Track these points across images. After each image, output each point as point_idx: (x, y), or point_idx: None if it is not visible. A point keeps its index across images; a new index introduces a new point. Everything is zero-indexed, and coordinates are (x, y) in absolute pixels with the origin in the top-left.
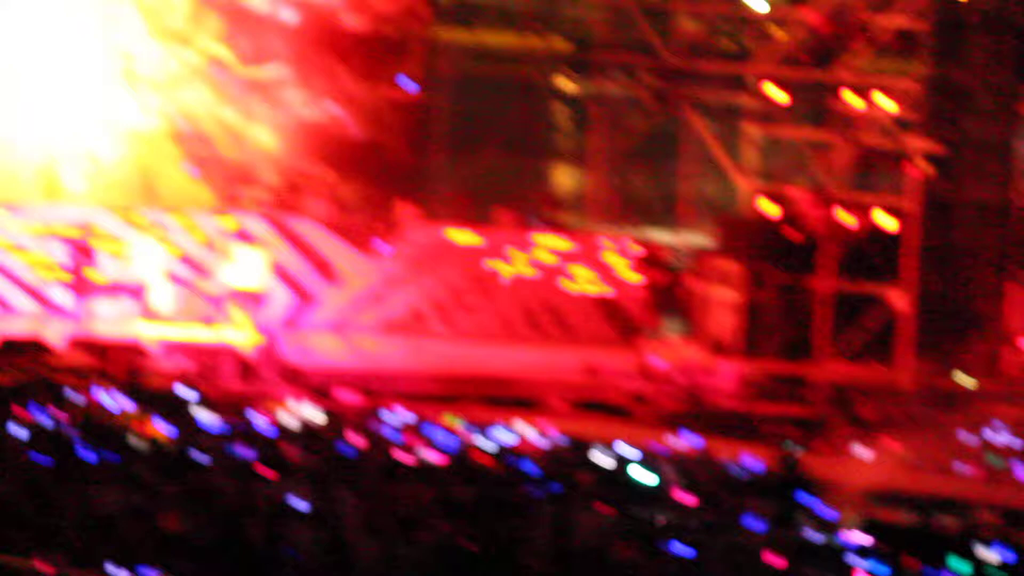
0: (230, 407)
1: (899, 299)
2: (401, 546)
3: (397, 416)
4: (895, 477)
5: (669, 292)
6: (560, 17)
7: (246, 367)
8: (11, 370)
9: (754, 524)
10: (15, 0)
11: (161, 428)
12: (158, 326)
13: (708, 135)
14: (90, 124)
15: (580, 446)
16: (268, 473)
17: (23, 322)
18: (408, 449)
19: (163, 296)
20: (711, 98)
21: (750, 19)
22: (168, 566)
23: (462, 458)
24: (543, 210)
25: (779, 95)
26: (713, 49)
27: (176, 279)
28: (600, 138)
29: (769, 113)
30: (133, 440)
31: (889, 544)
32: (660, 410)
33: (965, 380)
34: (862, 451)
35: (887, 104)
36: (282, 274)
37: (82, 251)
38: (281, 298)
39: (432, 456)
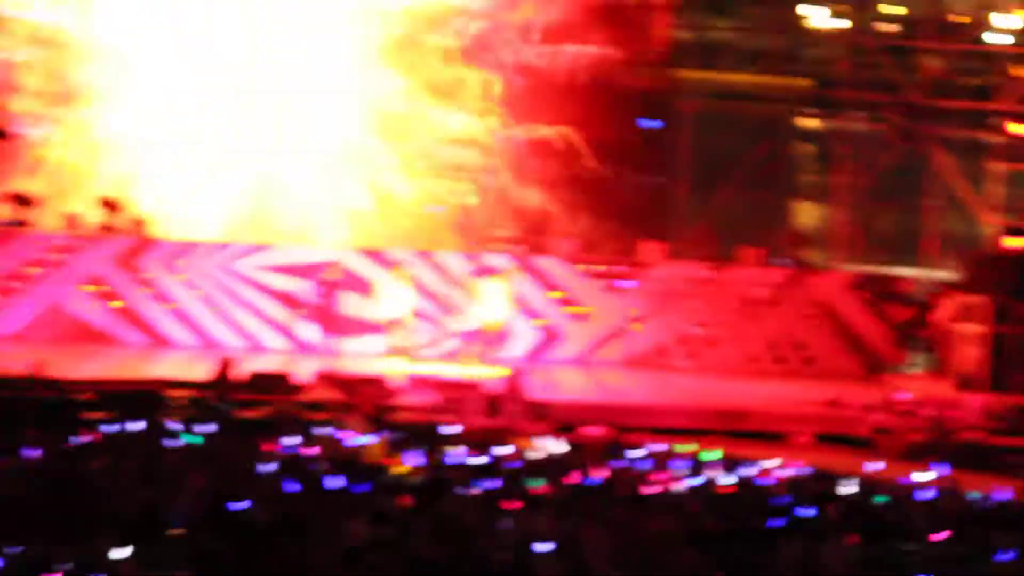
0: (476, 441)
1: None
2: None
3: (642, 449)
4: None
5: (913, 327)
6: (802, 55)
7: (492, 402)
8: (260, 405)
9: (1002, 556)
10: (281, 49)
11: (408, 461)
12: (405, 362)
13: (952, 171)
14: (343, 168)
15: (826, 478)
16: (514, 506)
17: (272, 359)
18: (654, 481)
19: (410, 333)
20: (955, 134)
21: (993, 56)
22: None
23: (708, 490)
24: (786, 246)
25: (1023, 131)
26: (956, 86)
27: (423, 316)
28: (843, 175)
29: (1013, 149)
30: (380, 473)
31: None
32: (905, 443)
33: None
34: None
35: None
36: (527, 310)
37: (331, 290)
38: (526, 334)
39: (678, 488)
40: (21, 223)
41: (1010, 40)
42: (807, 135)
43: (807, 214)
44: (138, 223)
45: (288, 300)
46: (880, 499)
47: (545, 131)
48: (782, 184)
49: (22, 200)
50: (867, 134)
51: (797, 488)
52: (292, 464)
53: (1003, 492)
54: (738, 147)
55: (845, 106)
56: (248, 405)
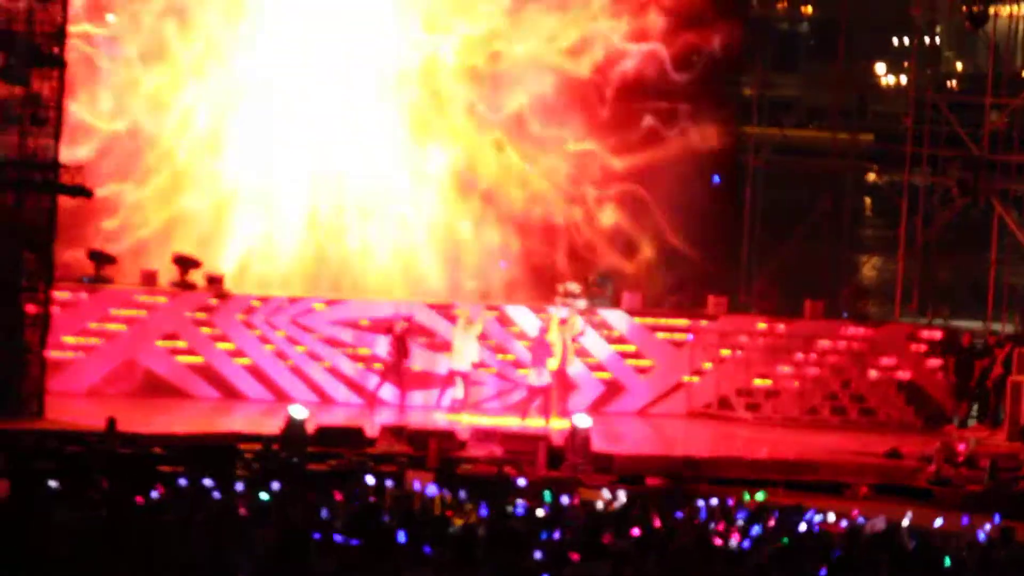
0: (540, 492)
1: None
2: None
3: (705, 500)
4: None
5: (975, 379)
6: (866, 111)
7: (556, 453)
8: (328, 458)
9: None
10: (354, 117)
11: (474, 513)
12: (470, 415)
13: (1015, 224)
14: (413, 222)
15: (885, 529)
16: (579, 557)
17: (341, 412)
18: (717, 532)
19: (476, 385)
20: (1017, 188)
21: None
22: None
23: (768, 541)
24: (848, 299)
25: None
26: (1019, 140)
27: (489, 370)
28: (906, 228)
29: None
30: (447, 525)
31: None
32: (963, 493)
33: None
34: None
35: None
36: (592, 363)
37: (400, 344)
38: (591, 386)
39: (740, 539)
40: (100, 280)
41: None
42: (871, 189)
43: (870, 267)
44: (212, 279)
45: (358, 354)
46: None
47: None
48: (845, 238)
49: (101, 257)
50: (930, 188)
51: (855, 538)
52: (359, 516)
53: None
54: (802, 201)
55: (908, 160)
56: (317, 458)
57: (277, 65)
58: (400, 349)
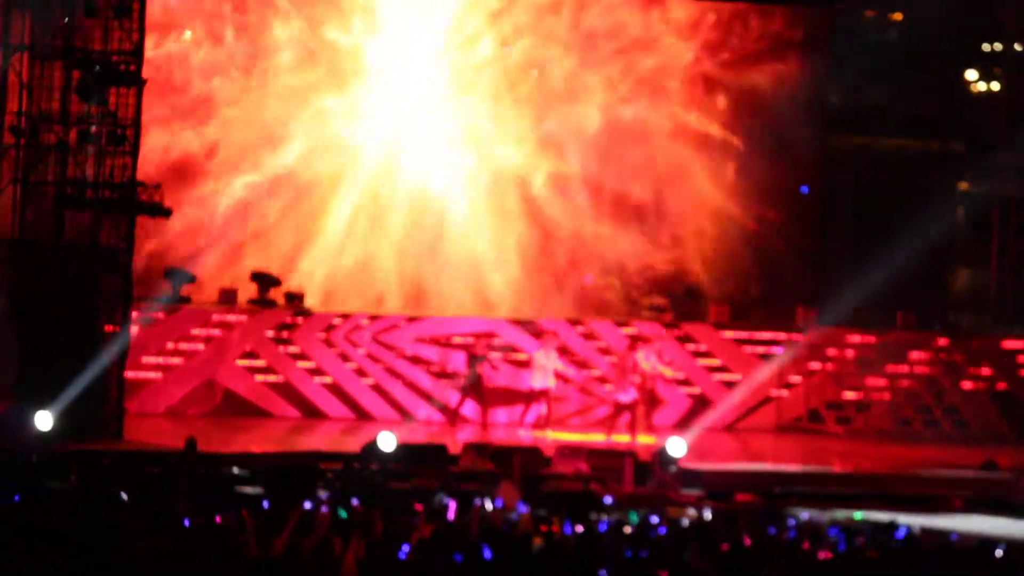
0: (627, 509)
1: None
2: None
3: (795, 515)
4: None
5: None
6: (958, 118)
7: (643, 469)
8: (411, 476)
9: None
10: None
11: (560, 530)
12: (555, 431)
13: None
14: (498, 235)
15: (982, 544)
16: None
17: (424, 430)
18: (807, 549)
19: (560, 402)
20: None
21: None
22: None
23: (862, 555)
24: (942, 311)
25: None
26: None
27: (574, 385)
28: (1000, 238)
29: None
30: (533, 542)
31: None
32: None
33: None
34: None
35: None
36: (679, 377)
37: (482, 362)
38: (678, 400)
39: (832, 555)
40: (179, 299)
41: None
42: (964, 199)
43: (964, 279)
44: (292, 296)
45: (440, 371)
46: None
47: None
48: (938, 248)
49: (179, 276)
50: None
51: (950, 553)
52: (443, 535)
53: None
54: (894, 212)
55: (1002, 169)
56: (400, 476)
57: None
58: (481, 367)
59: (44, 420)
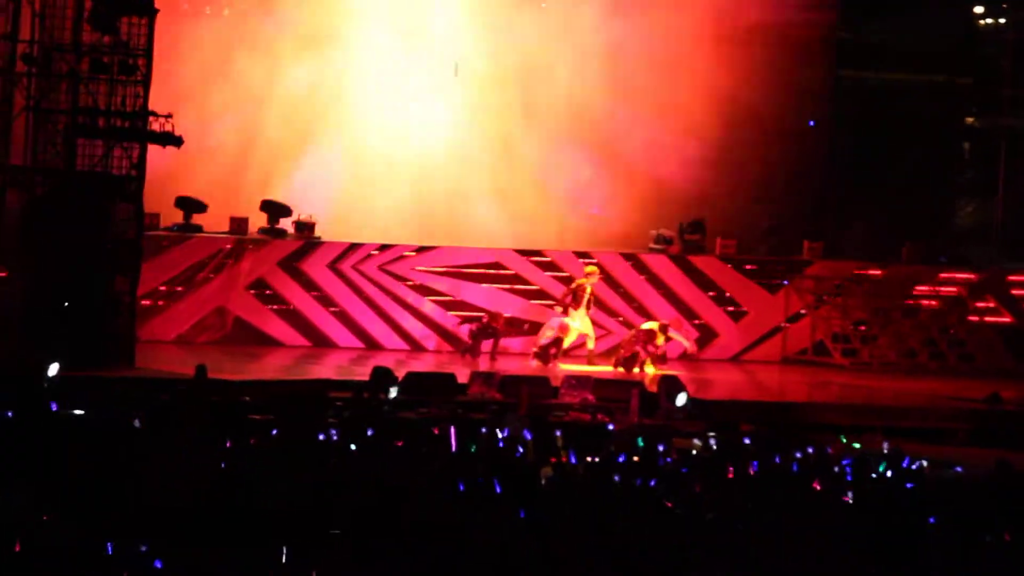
0: (633, 439)
1: None
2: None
3: (801, 447)
4: None
5: None
6: (966, 54)
7: (649, 400)
8: (419, 406)
9: None
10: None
11: (567, 460)
12: (564, 361)
13: None
14: (501, 165)
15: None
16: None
17: (431, 359)
18: (811, 480)
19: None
20: None
21: None
22: None
23: (864, 487)
24: (949, 245)
25: None
26: None
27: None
28: (1007, 172)
29: None
30: (538, 472)
31: None
32: None
33: None
34: None
35: None
36: (685, 309)
37: (503, 290)
38: (684, 332)
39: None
40: (189, 228)
41: None
42: (970, 133)
43: (969, 212)
44: (302, 225)
45: (447, 301)
46: None
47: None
48: (944, 182)
49: (190, 204)
50: None
51: (955, 485)
52: (451, 465)
53: None
54: (899, 145)
55: (1008, 103)
56: (408, 406)
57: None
58: (501, 295)
59: (53, 368)
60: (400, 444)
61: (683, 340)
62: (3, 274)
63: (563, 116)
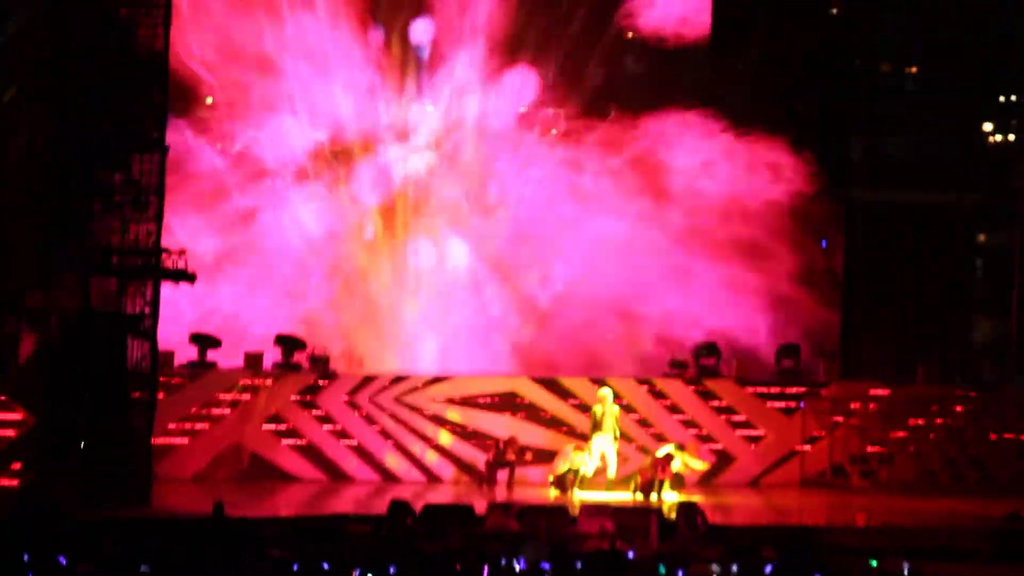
0: (654, 567)
1: None
2: None
3: (822, 570)
4: None
5: None
6: (974, 170)
7: (667, 526)
8: (438, 538)
9: None
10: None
11: None
12: (580, 489)
13: None
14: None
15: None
16: None
17: (447, 490)
18: None
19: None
20: None
21: None
22: None
23: None
24: (963, 363)
25: None
26: None
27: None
28: (1020, 289)
29: None
30: None
31: None
32: None
33: None
34: None
35: None
36: (702, 433)
37: (519, 418)
38: (701, 457)
39: None
40: (204, 364)
41: None
42: (982, 249)
43: (984, 329)
44: (315, 360)
45: (465, 432)
46: None
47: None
48: (957, 300)
49: (204, 341)
50: None
51: None
52: None
53: None
54: (914, 264)
55: (1019, 219)
56: (427, 538)
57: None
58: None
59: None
60: None
61: (696, 462)
62: (20, 414)
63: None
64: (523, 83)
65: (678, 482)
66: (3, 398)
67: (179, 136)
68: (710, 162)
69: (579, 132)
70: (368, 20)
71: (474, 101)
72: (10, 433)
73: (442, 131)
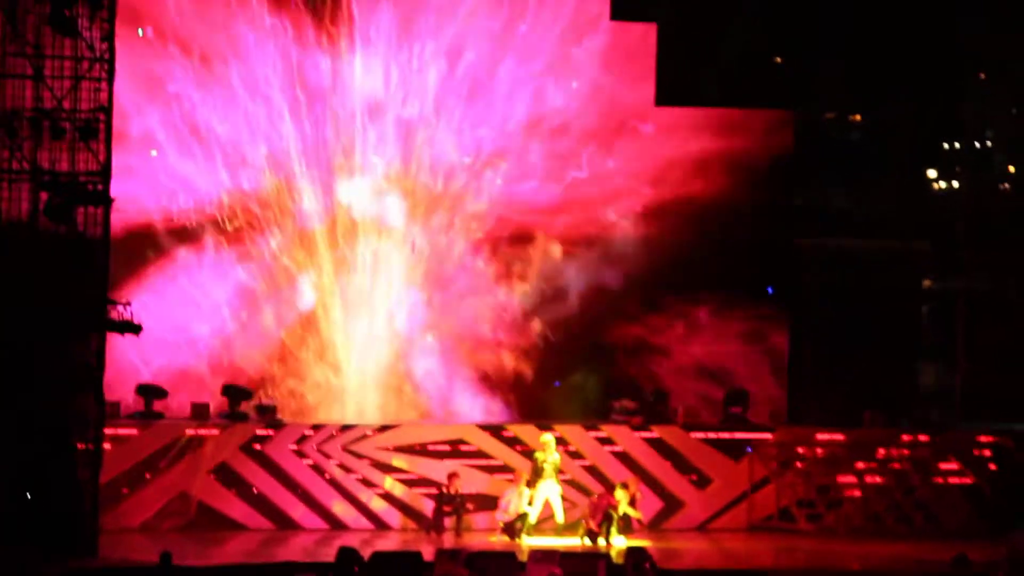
0: None
1: None
2: None
3: None
4: None
5: None
6: (921, 217)
7: (616, 572)
8: None
9: None
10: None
11: None
12: (530, 535)
13: None
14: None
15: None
16: None
17: (395, 537)
18: None
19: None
20: None
21: None
22: None
23: None
24: (911, 408)
25: None
26: None
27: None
28: (966, 334)
29: None
30: None
31: None
32: None
33: None
34: None
35: None
36: (650, 480)
37: (452, 467)
38: (649, 503)
39: None
40: (151, 415)
41: None
42: (927, 296)
43: (930, 374)
44: (262, 409)
45: (412, 479)
46: None
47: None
48: (903, 346)
49: (151, 392)
50: (990, 293)
51: None
52: None
53: None
54: (860, 310)
55: (965, 266)
56: None
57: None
58: (452, 472)
59: None
60: None
61: (634, 512)
62: None
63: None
64: None
65: (626, 526)
66: None
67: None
68: None
69: None
70: None
71: None
72: None
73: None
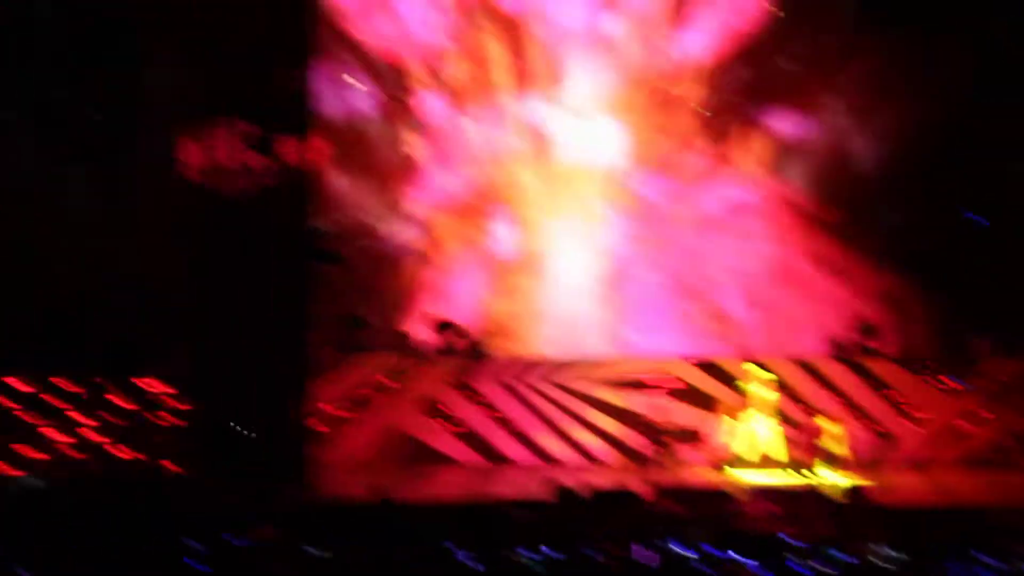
0: (819, 550)
1: None
2: None
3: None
4: None
5: None
6: None
7: (834, 509)
8: (599, 522)
9: None
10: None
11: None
12: (744, 471)
13: None
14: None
15: None
16: None
17: (606, 474)
18: None
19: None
20: None
21: None
22: None
23: None
24: None
25: None
26: None
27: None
28: None
29: None
30: None
31: None
32: None
33: None
34: None
35: None
36: (863, 414)
37: (664, 402)
38: (862, 438)
39: None
40: (356, 346)
41: None
42: None
43: None
44: (471, 342)
45: (624, 414)
46: None
47: None
48: None
49: (358, 323)
50: None
51: None
52: None
53: None
54: None
55: None
56: (589, 522)
57: None
58: (662, 404)
59: None
60: None
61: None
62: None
63: None
64: None
65: (838, 461)
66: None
67: None
68: None
69: None
70: None
71: None
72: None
73: None
